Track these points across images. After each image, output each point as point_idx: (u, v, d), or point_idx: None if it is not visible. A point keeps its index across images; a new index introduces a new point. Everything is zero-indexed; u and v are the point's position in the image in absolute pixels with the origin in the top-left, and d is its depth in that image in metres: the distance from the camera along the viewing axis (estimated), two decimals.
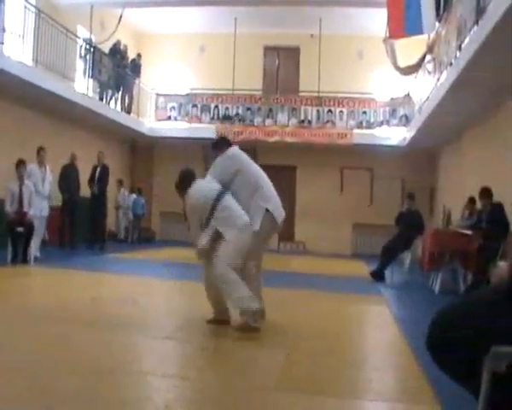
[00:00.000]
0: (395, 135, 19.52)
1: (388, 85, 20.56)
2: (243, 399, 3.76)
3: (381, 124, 19.67)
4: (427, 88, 14.66)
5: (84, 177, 15.35)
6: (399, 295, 10.45)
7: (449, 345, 2.23)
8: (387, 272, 11.97)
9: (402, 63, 15.73)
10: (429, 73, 14.54)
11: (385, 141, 19.55)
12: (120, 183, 19.88)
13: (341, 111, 19.78)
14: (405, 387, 4.40)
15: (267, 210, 6.00)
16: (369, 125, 19.72)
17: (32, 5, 14.02)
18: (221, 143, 6.53)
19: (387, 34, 14.43)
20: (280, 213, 6.19)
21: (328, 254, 19.02)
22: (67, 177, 14.70)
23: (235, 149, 6.40)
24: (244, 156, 6.38)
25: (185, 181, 6.14)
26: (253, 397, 3.80)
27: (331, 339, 5.85)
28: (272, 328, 6.22)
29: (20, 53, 13.48)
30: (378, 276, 11.77)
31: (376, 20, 16.84)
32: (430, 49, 14.19)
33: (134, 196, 20.08)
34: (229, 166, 6.19)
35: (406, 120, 19.07)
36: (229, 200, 5.83)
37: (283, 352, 5.03)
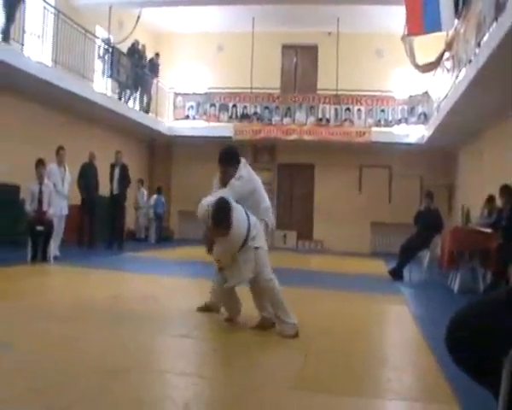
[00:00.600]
0: (413, 133, 19.46)
1: (407, 83, 20.49)
2: (261, 398, 3.76)
3: (400, 122, 19.62)
4: (445, 86, 14.58)
5: (102, 176, 15.44)
6: (418, 294, 10.39)
7: (465, 344, 2.24)
8: (406, 271, 11.93)
9: (420, 61, 15.66)
10: (448, 70, 14.45)
11: (403, 139, 19.47)
12: (141, 182, 19.98)
13: (359, 109, 19.73)
14: (424, 386, 4.38)
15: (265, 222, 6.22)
16: (388, 124, 19.67)
17: (51, 6, 14.12)
18: (233, 160, 6.19)
19: (406, 32, 14.38)
20: (273, 223, 6.52)
21: (347, 253, 18.97)
22: (86, 176, 14.80)
23: (248, 169, 6.24)
24: (254, 174, 6.31)
25: (230, 213, 5.41)
26: (270, 396, 3.80)
27: (349, 338, 5.83)
28: None
29: (39, 53, 13.60)
30: (396, 275, 11.73)
31: (395, 18, 16.76)
32: (449, 47, 14.10)
33: (155, 195, 20.15)
34: (248, 188, 6.08)
35: (425, 118, 18.99)
36: (252, 216, 5.76)
37: (301, 351, 5.02)
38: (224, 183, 6.15)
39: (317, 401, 3.77)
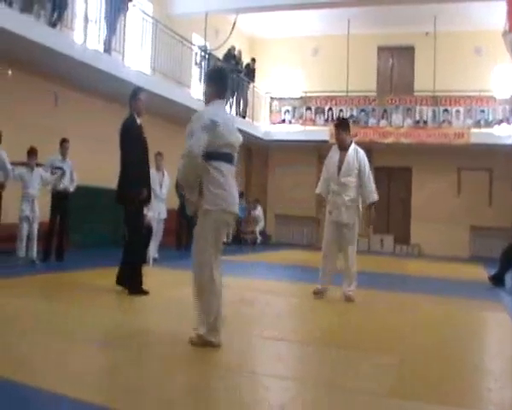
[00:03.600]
0: None
1: (508, 82, 19.85)
2: (357, 403, 3.74)
3: (501, 122, 18.99)
4: None
5: None
6: None
7: None
8: (508, 277, 11.54)
9: None
10: None
11: (505, 140, 18.81)
12: None
13: (458, 110, 19.27)
14: None
15: None
16: (488, 124, 19.10)
17: (149, 16, 14.53)
18: (347, 127, 8.47)
19: (507, 28, 13.90)
20: None
21: (445, 257, 18.59)
22: None
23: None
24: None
25: None
26: (367, 402, 3.77)
27: (447, 345, 5.71)
28: (386, 332, 6.17)
29: (138, 62, 14.00)
30: (498, 281, 11.35)
31: (495, 14, 16.27)
32: None
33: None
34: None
35: None
36: None
37: (396, 356, 4.96)
38: (339, 144, 8.17)
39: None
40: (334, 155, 8.20)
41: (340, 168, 7.99)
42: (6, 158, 9.64)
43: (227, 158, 5.03)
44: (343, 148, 8.09)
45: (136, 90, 7.84)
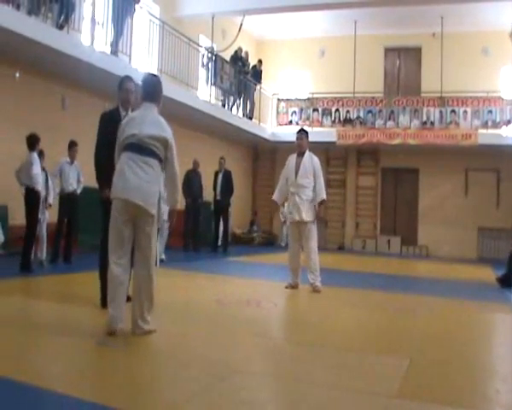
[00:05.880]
0: None
1: None
2: (365, 404, 3.73)
3: (508, 123, 18.91)
4: None
5: (206, 182, 15.80)
6: None
7: None
8: None
9: None
10: None
11: None
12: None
13: (465, 111, 19.20)
14: None
15: None
16: (496, 125, 19.02)
17: (156, 18, 14.55)
18: (307, 134, 9.47)
19: None
20: None
21: (452, 259, 18.55)
22: (190, 182, 15.17)
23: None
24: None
25: None
26: (374, 402, 3.75)
27: (456, 347, 5.69)
28: (394, 334, 6.16)
29: (145, 64, 14.02)
30: (506, 282, 11.31)
31: (502, 14, 16.24)
32: None
33: None
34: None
35: None
36: None
37: (405, 357, 4.94)
38: (299, 148, 9.20)
39: None
40: (291, 160, 9.33)
41: (297, 171, 9.05)
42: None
43: (128, 147, 5.36)
44: (301, 153, 9.20)
45: (122, 79, 7.05)
